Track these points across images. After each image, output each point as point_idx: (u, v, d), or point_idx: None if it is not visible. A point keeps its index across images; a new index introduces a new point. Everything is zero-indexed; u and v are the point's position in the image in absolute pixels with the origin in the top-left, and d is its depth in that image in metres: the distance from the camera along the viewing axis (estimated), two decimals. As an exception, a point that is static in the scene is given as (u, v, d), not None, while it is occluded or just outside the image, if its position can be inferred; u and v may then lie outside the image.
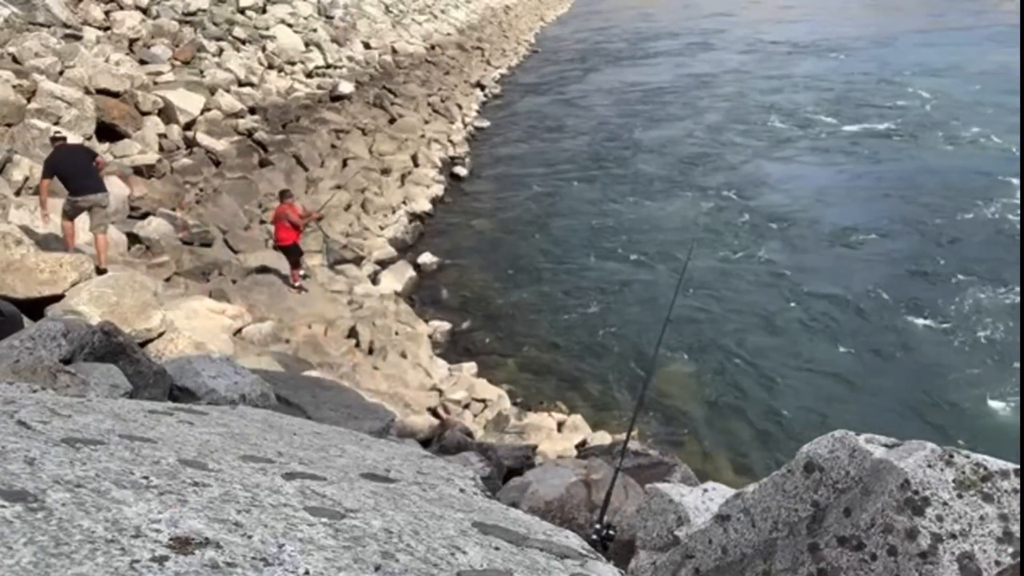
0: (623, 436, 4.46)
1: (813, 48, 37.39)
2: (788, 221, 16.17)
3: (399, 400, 9.13)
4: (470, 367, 10.94)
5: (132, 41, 17.70)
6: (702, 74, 32.84)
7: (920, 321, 12.01)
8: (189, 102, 16.18)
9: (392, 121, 22.01)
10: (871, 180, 18.26)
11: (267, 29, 22.68)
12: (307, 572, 1.13)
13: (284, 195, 12.10)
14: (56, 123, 12.64)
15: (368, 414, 6.54)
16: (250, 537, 1.21)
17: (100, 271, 8.20)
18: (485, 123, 25.95)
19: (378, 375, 9.90)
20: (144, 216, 11.92)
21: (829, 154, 20.60)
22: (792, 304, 12.78)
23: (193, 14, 20.53)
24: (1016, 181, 16.91)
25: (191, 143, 15.45)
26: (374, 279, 13.52)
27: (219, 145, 15.81)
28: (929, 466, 1.68)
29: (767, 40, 40.61)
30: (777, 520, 1.90)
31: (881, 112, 24.28)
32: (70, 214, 8.63)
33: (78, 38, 15.94)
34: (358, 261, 13.83)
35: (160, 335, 7.44)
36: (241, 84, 18.86)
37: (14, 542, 1.02)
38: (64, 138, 9.32)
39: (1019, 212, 14.93)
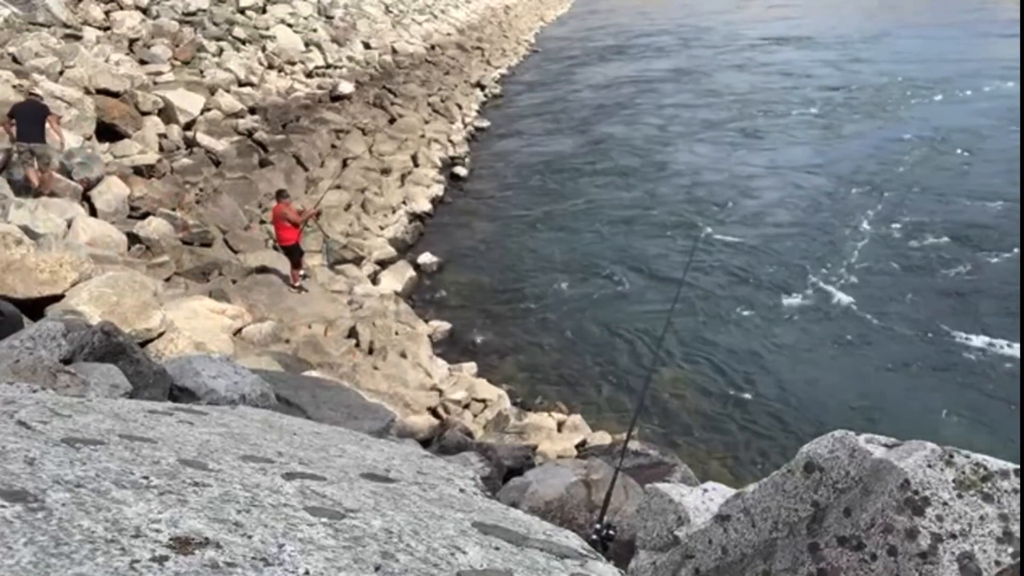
0: (623, 436, 4.46)
1: (793, 43, 39.54)
2: (788, 219, 16.17)
3: (399, 400, 9.13)
4: (470, 367, 10.93)
5: (132, 41, 17.71)
6: (694, 69, 34.14)
7: (920, 321, 12.01)
8: (189, 102, 16.18)
9: (392, 121, 22.02)
10: (869, 170, 18.28)
11: (267, 29, 22.69)
12: (307, 572, 1.13)
13: (280, 195, 12.10)
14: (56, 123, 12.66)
15: (368, 414, 6.53)
16: (250, 537, 1.21)
17: (36, 193, 10.24)
18: (485, 123, 25.95)
19: (378, 375, 9.91)
20: (144, 216, 11.92)
21: (818, 142, 20.63)
22: (793, 304, 12.78)
23: (193, 14, 20.53)
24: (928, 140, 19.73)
25: (191, 143, 15.45)
26: (374, 279, 13.52)
27: (219, 145, 15.82)
28: (929, 466, 1.68)
29: (753, 36, 42.51)
30: (777, 520, 1.90)
31: (851, 96, 26.81)
32: (22, 160, 10.53)
33: (78, 38, 15.94)
34: (358, 261, 13.83)
35: (160, 335, 7.44)
36: (241, 84, 18.87)
37: (14, 542, 1.02)
38: (39, 96, 11.33)
39: (1019, 209, 14.92)
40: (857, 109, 25.06)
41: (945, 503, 1.63)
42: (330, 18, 27.12)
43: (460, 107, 26.28)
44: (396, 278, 13.69)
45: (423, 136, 21.62)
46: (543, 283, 14.11)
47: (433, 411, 9.31)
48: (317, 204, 13.25)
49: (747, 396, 10.48)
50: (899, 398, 10.27)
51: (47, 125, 10.77)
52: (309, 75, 22.28)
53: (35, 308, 6.95)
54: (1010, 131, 20.60)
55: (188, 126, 15.79)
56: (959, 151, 19.90)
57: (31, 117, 10.58)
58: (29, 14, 15.57)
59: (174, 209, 12.70)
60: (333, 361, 9.87)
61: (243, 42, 21.20)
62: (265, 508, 1.38)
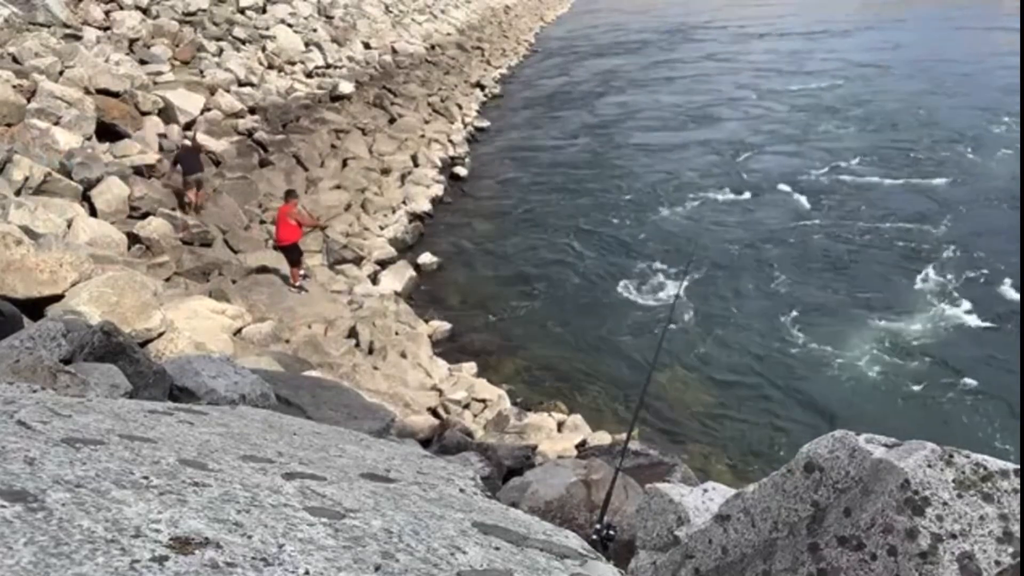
0: (623, 436, 4.46)
1: (774, 36, 43.16)
2: (787, 218, 16.17)
3: (399, 400, 9.13)
4: (470, 367, 10.93)
5: (132, 41, 17.70)
6: (692, 66, 35.29)
7: (920, 320, 12.01)
8: (189, 102, 16.18)
9: (392, 121, 22.01)
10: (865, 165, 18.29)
11: (267, 29, 22.69)
12: (307, 572, 1.13)
13: (289, 195, 12.23)
14: (56, 123, 12.64)
15: (368, 414, 6.53)
16: (250, 537, 1.21)
17: (196, 208, 13.22)
18: (485, 123, 25.94)
19: (378, 375, 9.90)
20: (144, 216, 11.92)
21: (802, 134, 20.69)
22: (792, 304, 12.77)
23: (193, 14, 20.53)
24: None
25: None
26: (374, 279, 13.52)
27: (219, 145, 15.81)
28: (929, 466, 1.68)
29: (749, 33, 45.44)
30: (777, 520, 1.90)
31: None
32: (186, 186, 13.29)
33: (78, 38, 15.94)
34: (358, 261, 13.83)
35: (160, 335, 7.45)
36: (241, 84, 18.86)
37: (14, 542, 1.02)
38: (192, 142, 14.42)
39: (1019, 208, 14.92)
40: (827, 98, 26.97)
41: (945, 503, 1.63)
42: (330, 18, 27.12)
43: (460, 107, 26.28)
44: (396, 278, 13.69)
45: (423, 136, 21.61)
46: (544, 283, 14.12)
47: (433, 411, 9.31)
48: (322, 219, 13.58)
49: (747, 396, 10.48)
50: (899, 398, 10.27)
51: (201, 157, 13.88)
52: (309, 75, 22.27)
53: (35, 308, 6.95)
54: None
55: (188, 126, 15.79)
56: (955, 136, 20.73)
57: (191, 157, 13.37)
58: (29, 14, 15.57)
59: (174, 209, 12.70)
60: (333, 361, 9.87)
61: (243, 42, 21.20)
62: (265, 508, 1.38)
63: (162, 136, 15.00)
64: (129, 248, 10.99)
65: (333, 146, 18.67)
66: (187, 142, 14.63)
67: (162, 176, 13.79)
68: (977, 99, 25.15)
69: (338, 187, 16.54)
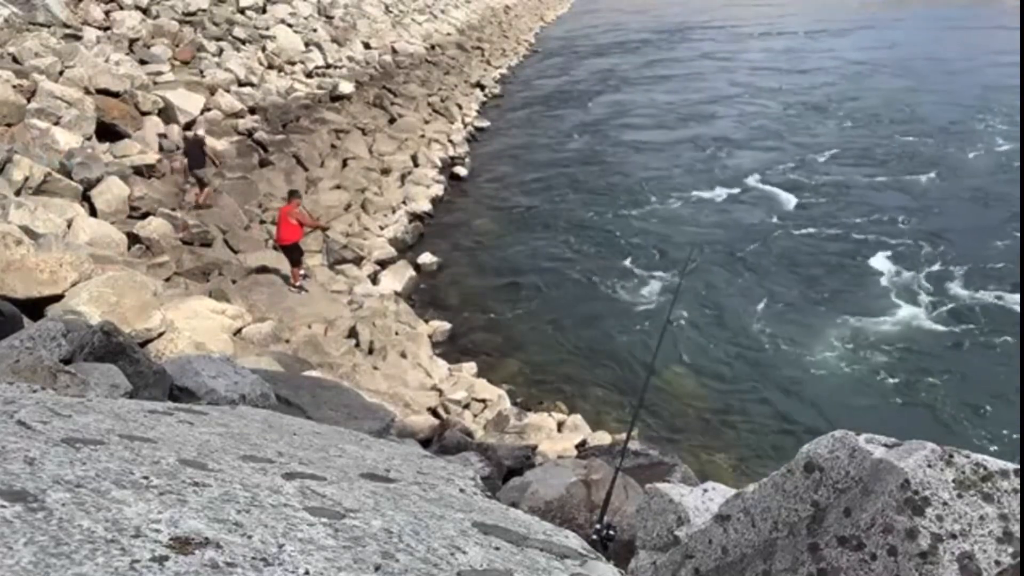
0: (623, 436, 4.46)
1: (771, 36, 44.45)
2: (781, 216, 16.17)
3: (399, 400, 9.13)
4: (470, 367, 10.92)
5: (132, 41, 17.71)
6: (689, 64, 35.86)
7: (919, 318, 12.00)
8: (189, 102, 16.18)
9: (392, 121, 22.01)
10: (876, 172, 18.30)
11: (267, 29, 22.69)
12: (307, 572, 1.13)
13: (292, 195, 12.26)
14: (56, 123, 12.64)
15: (368, 414, 6.53)
16: (250, 537, 1.21)
17: (200, 206, 13.25)
18: (485, 123, 25.93)
19: (378, 375, 9.90)
20: (144, 216, 11.92)
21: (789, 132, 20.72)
22: (791, 304, 12.77)
23: (193, 14, 20.53)
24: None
25: (191, 143, 15.45)
26: (374, 279, 13.51)
27: (219, 145, 15.81)
28: (929, 466, 1.68)
29: (743, 31, 46.99)
30: (777, 520, 1.90)
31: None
32: (193, 181, 13.63)
33: (78, 38, 15.94)
34: (358, 261, 13.82)
35: (160, 335, 7.45)
36: (241, 84, 18.86)
37: (14, 542, 1.02)
38: (199, 135, 14.29)
39: (1019, 209, 14.92)
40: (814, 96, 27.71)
41: (945, 503, 1.63)
42: (330, 18, 27.12)
43: (460, 107, 26.27)
44: (396, 278, 13.68)
45: (423, 136, 21.61)
46: (543, 283, 14.11)
47: (433, 411, 9.30)
48: (323, 220, 13.66)
49: (747, 396, 10.47)
50: (899, 398, 10.27)
51: (205, 152, 13.92)
52: (309, 75, 22.27)
53: (35, 308, 6.95)
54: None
55: (188, 126, 15.79)
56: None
57: (194, 150, 13.57)
58: (29, 14, 15.58)
59: (174, 209, 12.70)
60: (333, 361, 9.87)
61: (243, 42, 21.19)
62: (265, 508, 1.38)
63: (162, 136, 15.00)
64: (129, 248, 10.99)
65: (333, 146, 18.67)
66: (197, 133, 14.90)
67: (163, 176, 13.80)
68: (964, 96, 25.78)
69: (338, 187, 16.54)
